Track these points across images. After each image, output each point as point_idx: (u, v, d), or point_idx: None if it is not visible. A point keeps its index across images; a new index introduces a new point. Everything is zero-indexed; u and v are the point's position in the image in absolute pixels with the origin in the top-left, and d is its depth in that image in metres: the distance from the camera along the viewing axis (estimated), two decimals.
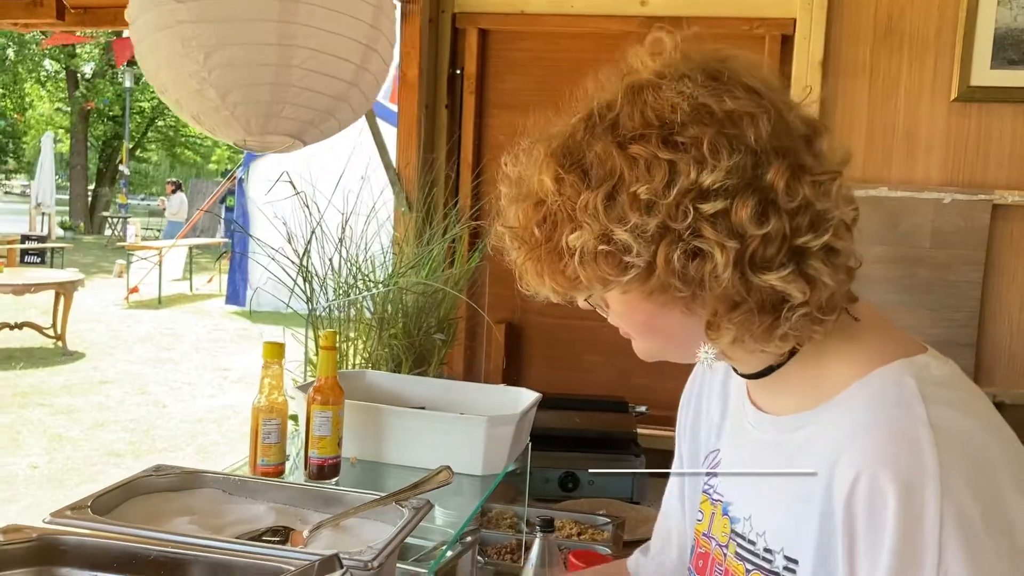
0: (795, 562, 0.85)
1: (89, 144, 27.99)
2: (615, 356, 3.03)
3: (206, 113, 1.32)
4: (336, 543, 0.94)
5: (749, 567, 0.90)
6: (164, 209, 18.21)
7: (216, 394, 7.97)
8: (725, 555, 0.96)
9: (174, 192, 17.94)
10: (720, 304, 0.82)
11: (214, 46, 1.21)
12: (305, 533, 0.96)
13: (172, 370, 8.90)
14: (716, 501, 1.01)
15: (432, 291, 2.53)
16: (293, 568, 0.79)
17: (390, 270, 2.56)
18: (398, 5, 2.90)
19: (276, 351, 1.40)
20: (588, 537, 2.31)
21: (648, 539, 2.48)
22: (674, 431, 3.08)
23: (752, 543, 0.91)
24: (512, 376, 3.06)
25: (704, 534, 1.03)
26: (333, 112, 1.40)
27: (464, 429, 1.50)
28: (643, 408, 2.96)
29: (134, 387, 8.09)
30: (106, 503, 0.95)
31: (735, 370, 0.97)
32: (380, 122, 2.86)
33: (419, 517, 0.98)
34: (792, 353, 0.89)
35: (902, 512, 0.75)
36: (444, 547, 1.30)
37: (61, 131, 27.94)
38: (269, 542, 0.89)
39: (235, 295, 12.51)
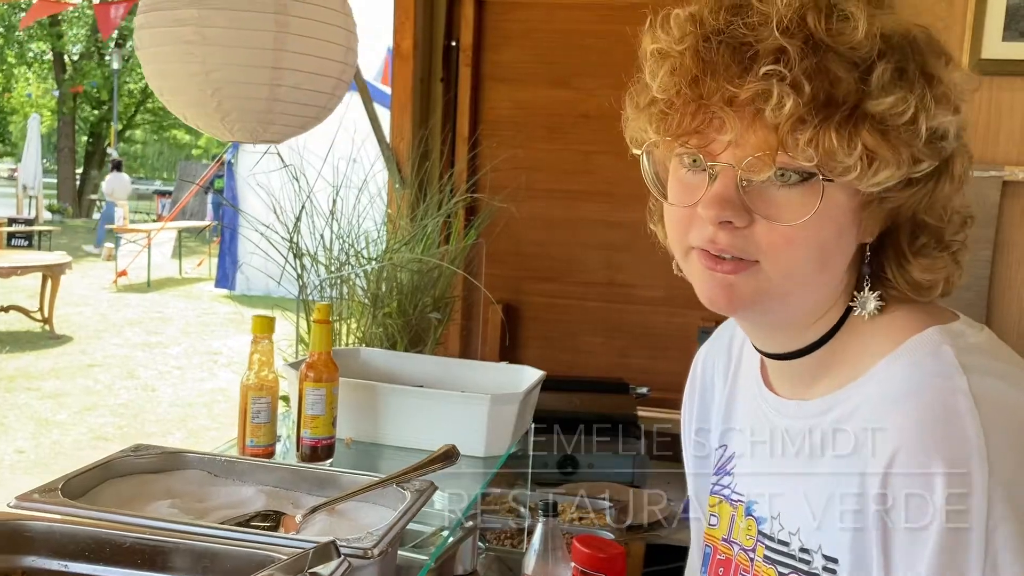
0: (835, 561, 0.77)
1: (77, 126, 27.73)
2: (614, 337, 2.96)
3: (201, 118, 1.31)
4: (332, 529, 0.87)
5: (784, 570, 0.83)
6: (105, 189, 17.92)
7: (206, 378, 7.89)
8: (752, 559, 0.88)
9: (113, 171, 17.72)
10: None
11: (216, 65, 1.25)
12: (298, 518, 0.88)
13: (161, 354, 8.81)
14: (736, 502, 0.93)
15: (428, 268, 2.45)
16: (285, 556, 0.71)
17: (383, 246, 2.48)
18: None
19: (266, 325, 1.32)
20: (589, 521, 2.26)
21: (650, 523, 2.42)
22: (674, 412, 3.01)
23: (784, 543, 0.83)
24: (509, 357, 2.99)
25: (724, 539, 0.95)
26: (317, 119, 1.42)
27: (466, 408, 1.42)
28: (644, 390, 2.90)
29: (123, 371, 8.01)
30: (79, 485, 0.86)
31: (763, 353, 0.88)
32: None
33: (422, 500, 0.91)
34: (831, 333, 0.82)
35: (946, 498, 0.68)
36: (447, 533, 1.23)
37: (48, 113, 27.65)
38: (258, 528, 0.82)
39: (225, 279, 12.43)
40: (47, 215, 19.82)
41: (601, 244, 2.98)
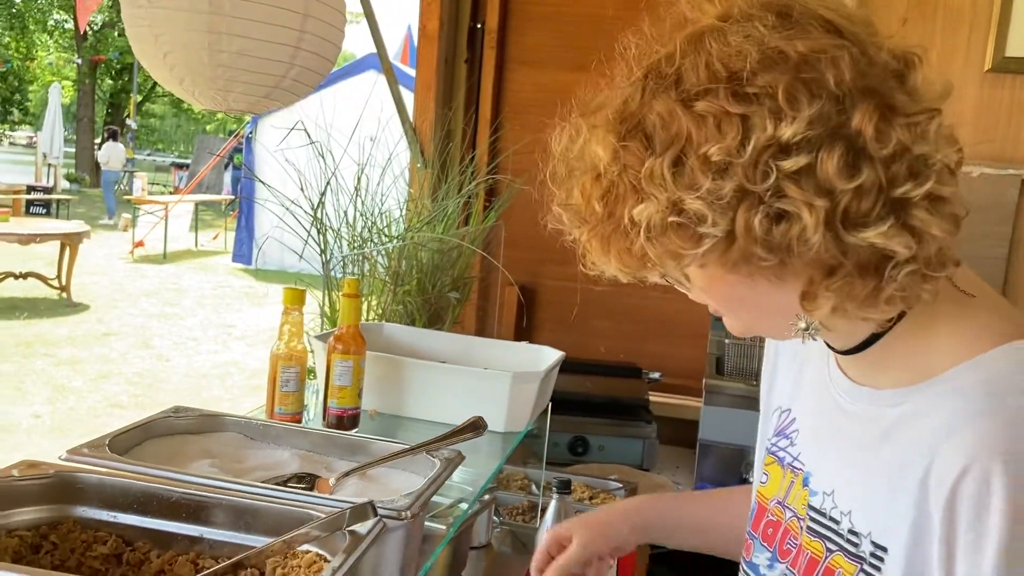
0: (884, 550, 0.78)
1: (96, 97, 27.81)
2: (628, 322, 2.99)
3: (168, 84, 1.34)
4: (364, 492, 0.90)
5: (831, 546, 0.84)
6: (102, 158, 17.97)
7: (220, 350, 7.96)
8: (801, 527, 0.89)
9: (108, 140, 17.77)
10: (814, 270, 0.73)
11: (161, 29, 1.27)
12: (331, 481, 0.92)
13: (176, 325, 8.89)
14: (797, 470, 0.93)
15: (447, 248, 2.48)
16: (323, 515, 0.75)
17: (404, 225, 2.51)
18: None
19: (297, 297, 1.36)
20: (600, 501, 2.29)
21: None
22: (686, 398, 3.03)
23: (835, 521, 0.84)
24: (524, 339, 3.02)
25: (778, 501, 0.95)
26: (281, 88, 1.41)
27: (488, 384, 1.45)
28: (657, 375, 2.93)
29: (138, 340, 8.08)
30: (123, 443, 0.90)
31: (829, 346, 0.88)
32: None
33: (451, 468, 0.94)
34: (894, 322, 0.81)
35: (1012, 508, 0.69)
36: (466, 506, 1.26)
37: (67, 83, 27.74)
38: (295, 488, 0.85)
39: (241, 253, 12.49)
40: (65, 184, 19.92)
41: None
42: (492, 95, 3.11)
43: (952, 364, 0.76)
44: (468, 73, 3.12)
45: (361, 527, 0.73)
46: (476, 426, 1.04)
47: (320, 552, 0.73)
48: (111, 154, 17.16)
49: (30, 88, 30.37)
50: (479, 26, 3.05)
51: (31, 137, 29.70)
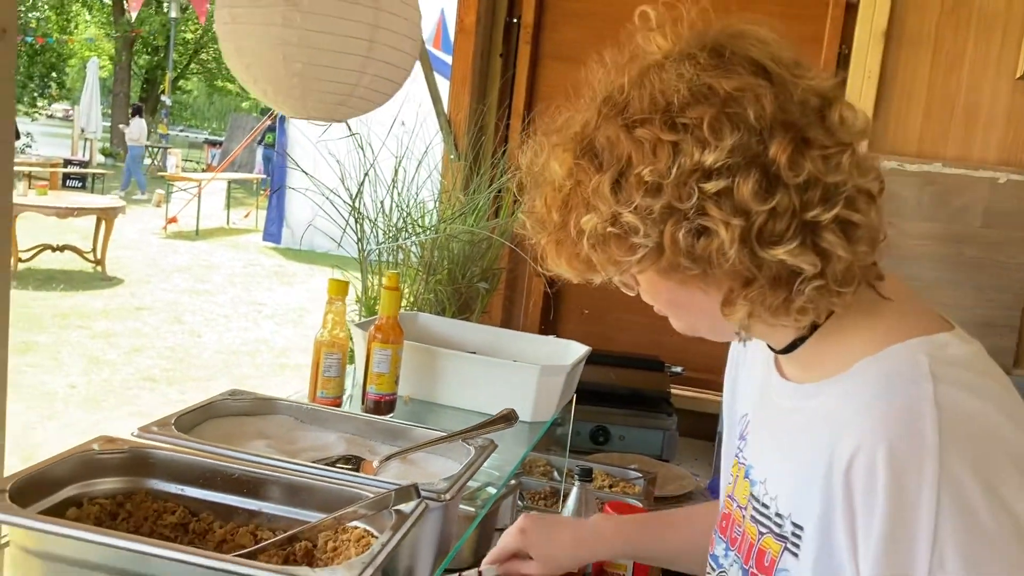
0: (801, 528, 0.86)
1: (132, 72, 28.08)
2: (652, 317, 3.04)
3: (280, 95, 1.41)
4: (405, 474, 0.98)
5: (762, 530, 0.92)
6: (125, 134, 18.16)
7: (250, 328, 8.09)
8: (744, 517, 0.98)
9: (134, 116, 17.95)
10: (732, 280, 0.82)
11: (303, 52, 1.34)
12: (375, 463, 1.00)
13: (208, 301, 9.03)
14: (742, 464, 1.03)
15: (478, 240, 2.55)
16: (371, 495, 0.83)
17: (437, 217, 2.59)
18: None
19: (341, 288, 1.44)
20: (620, 490, 2.35)
21: (677, 496, 2.51)
22: (707, 392, 3.09)
23: (766, 507, 0.92)
24: (549, 330, 3.09)
25: (729, 496, 1.05)
26: (386, 99, 1.49)
27: (517, 376, 1.53)
28: (679, 369, 2.98)
29: (170, 315, 8.24)
30: (187, 422, 0.99)
31: (770, 347, 0.97)
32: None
33: (485, 455, 1.02)
34: (815, 327, 0.89)
35: (897, 490, 0.75)
36: (494, 490, 1.35)
37: (105, 58, 28.03)
38: (343, 469, 0.93)
39: (272, 232, 12.63)
40: (100, 158, 20.19)
41: None
42: (526, 89, 3.16)
43: (857, 360, 0.85)
44: (503, 68, 3.18)
45: (406, 507, 0.81)
46: (508, 418, 1.12)
47: (368, 528, 0.81)
48: (137, 130, 17.39)
49: (68, 63, 30.71)
50: (515, 21, 3.10)
51: (68, 111, 30.04)
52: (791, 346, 0.92)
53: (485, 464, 1.42)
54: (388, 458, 1.01)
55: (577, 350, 1.72)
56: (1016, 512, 0.75)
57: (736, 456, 1.06)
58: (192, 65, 30.58)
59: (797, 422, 0.91)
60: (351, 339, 1.61)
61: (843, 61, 2.96)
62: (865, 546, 0.78)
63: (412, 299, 2.48)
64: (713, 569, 1.06)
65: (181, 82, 31.49)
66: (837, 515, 0.81)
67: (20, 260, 9.12)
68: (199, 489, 0.87)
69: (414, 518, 0.80)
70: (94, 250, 9.73)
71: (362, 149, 2.38)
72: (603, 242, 0.82)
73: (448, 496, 0.88)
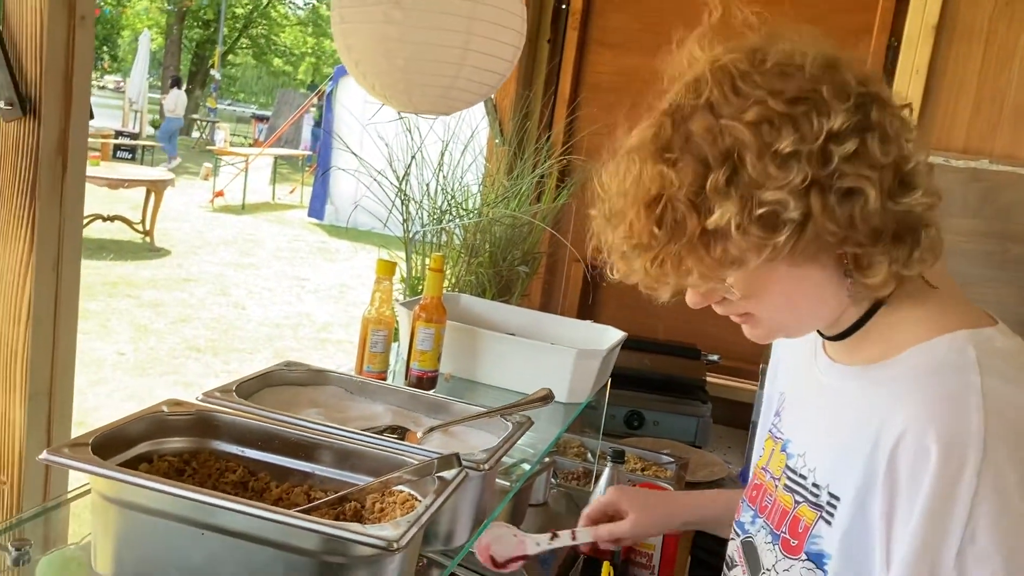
0: (837, 499, 0.91)
1: (183, 45, 28.44)
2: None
3: (388, 90, 1.46)
4: (446, 446, 1.04)
5: (798, 499, 0.98)
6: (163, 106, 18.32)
7: (293, 302, 8.23)
8: (776, 487, 1.03)
9: (172, 87, 18.07)
10: (867, 239, 0.84)
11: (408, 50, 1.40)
12: (419, 434, 1.07)
13: (252, 275, 9.20)
14: (778, 439, 1.08)
15: (519, 224, 2.60)
16: (415, 462, 0.89)
17: (481, 200, 2.65)
18: None
19: (389, 268, 1.51)
20: (651, 473, 2.40)
21: (708, 482, 2.55)
22: (743, 381, 3.12)
23: (803, 478, 0.98)
24: (587, 314, 3.13)
25: (763, 468, 1.10)
26: (453, 90, 1.54)
27: (554, 358, 1.59)
28: (715, 357, 3.02)
29: (216, 287, 8.41)
30: (246, 389, 1.06)
31: (822, 335, 1.01)
32: None
33: (522, 431, 1.08)
34: (869, 314, 0.94)
35: (941, 470, 0.80)
36: (528, 467, 1.41)
37: (156, 31, 28.41)
38: (389, 438, 1.00)
39: (316, 208, 12.78)
40: (149, 130, 20.52)
41: None
42: (572, 76, 3.19)
43: (908, 346, 0.90)
44: (550, 53, 3.22)
45: (447, 474, 0.87)
46: (546, 398, 1.17)
47: (412, 492, 0.88)
48: (177, 101, 17.59)
49: (121, 35, 31.17)
50: (564, 7, 3.13)
51: (119, 83, 30.51)
52: (844, 333, 0.96)
53: (521, 441, 1.49)
54: (431, 430, 1.07)
55: (613, 335, 1.77)
56: None
57: (771, 431, 1.12)
58: (242, 39, 30.84)
59: (841, 400, 0.96)
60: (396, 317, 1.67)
61: (892, 54, 2.95)
62: (905, 521, 0.82)
63: (454, 280, 2.54)
64: (738, 535, 1.11)
65: (230, 56, 31.80)
66: (876, 490, 0.86)
67: None
68: (258, 451, 0.95)
69: (455, 484, 0.86)
70: (143, 221, 9.93)
71: (409, 132, 2.44)
72: (746, 230, 0.82)
73: (487, 466, 0.94)
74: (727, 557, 1.15)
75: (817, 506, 0.94)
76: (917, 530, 0.81)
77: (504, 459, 1.46)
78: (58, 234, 1.25)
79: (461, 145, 2.54)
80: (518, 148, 2.86)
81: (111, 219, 9.66)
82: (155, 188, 9.84)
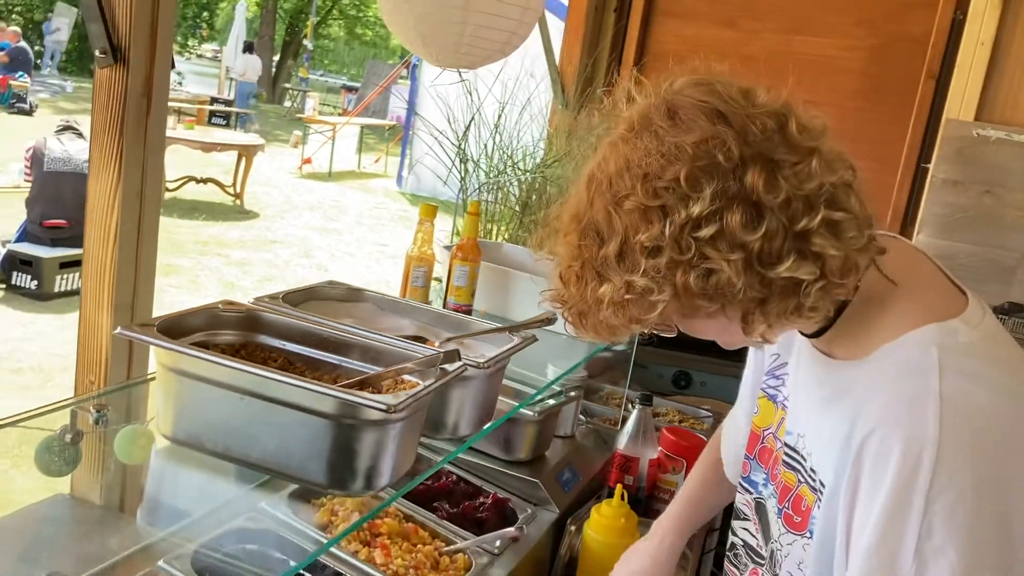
0: (824, 485, 0.98)
1: (277, 16, 29.14)
2: None
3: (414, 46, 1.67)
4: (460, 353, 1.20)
5: (800, 479, 1.05)
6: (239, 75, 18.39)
7: (373, 266, 8.52)
8: (779, 459, 1.10)
9: (244, 52, 18.20)
10: (747, 305, 0.88)
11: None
12: (437, 343, 1.22)
13: (336, 239, 9.53)
14: (777, 402, 1.14)
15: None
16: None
17: (537, 160, 2.78)
18: None
19: (430, 211, 1.67)
20: (688, 425, 2.52)
21: None
22: None
23: (803, 460, 1.05)
24: None
25: (772, 433, 1.15)
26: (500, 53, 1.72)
27: None
28: None
29: (300, 250, 8.75)
30: (293, 299, 1.24)
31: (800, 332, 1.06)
32: (548, 14, 3.03)
33: (524, 344, 1.23)
34: (839, 312, 0.97)
35: (899, 470, 0.85)
36: (554, 400, 1.56)
37: (252, 2, 29.15)
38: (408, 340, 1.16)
39: (400, 177, 13.08)
40: None
41: None
42: (636, 44, 3.28)
43: (877, 346, 0.95)
44: (616, 21, 3.31)
45: (449, 366, 1.02)
46: (549, 319, 1.32)
47: (419, 381, 1.03)
48: (248, 66, 17.91)
49: (219, 5, 32.10)
50: None
51: (216, 51, 31.44)
52: (818, 332, 1.01)
53: (549, 374, 1.64)
54: (448, 340, 1.23)
55: None
56: (1003, 497, 0.85)
57: (765, 391, 1.18)
58: (334, 11, 31.42)
59: (828, 393, 1.01)
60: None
61: (956, 27, 2.96)
62: (865, 515, 0.89)
63: (507, 236, 2.69)
64: (748, 491, 1.18)
65: (323, 28, 32.43)
66: (843, 484, 0.92)
67: (167, 189, 9.81)
68: (296, 345, 1.12)
69: (454, 373, 1.01)
70: (234, 184, 10.35)
71: (469, 95, 2.59)
72: (622, 306, 0.88)
73: (486, 365, 1.09)
74: (735, 508, 1.22)
75: (815, 490, 1.00)
76: (877, 523, 0.87)
77: (530, 391, 1.62)
78: (142, 167, 1.44)
79: (519, 106, 2.67)
80: (578, 113, 2.98)
81: (204, 181, 10.10)
82: (246, 153, 10.24)
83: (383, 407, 0.89)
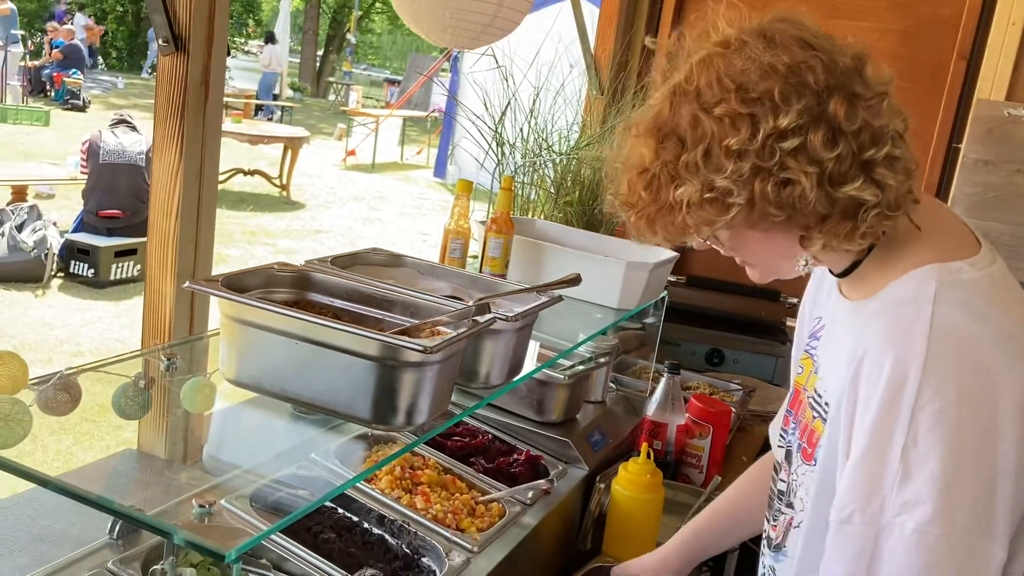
0: (827, 414, 1.08)
1: (321, 10, 29.47)
2: None
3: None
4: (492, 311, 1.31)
5: (815, 414, 1.15)
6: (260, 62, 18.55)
7: (415, 254, 8.63)
8: (806, 405, 1.19)
9: (267, 43, 18.33)
10: (811, 219, 0.98)
11: None
12: (470, 302, 1.33)
13: (379, 229, 9.70)
14: (816, 360, 1.22)
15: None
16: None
17: (572, 143, 2.88)
18: None
19: (467, 187, 1.78)
20: (720, 397, 2.59)
21: (771, 412, 2.73)
22: None
23: (820, 396, 1.14)
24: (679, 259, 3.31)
25: (803, 386, 1.25)
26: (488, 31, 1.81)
27: (607, 269, 1.83)
28: (795, 300, 3.14)
29: (345, 239, 8.93)
30: (340, 263, 1.36)
31: (830, 270, 1.17)
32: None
33: (550, 303, 1.34)
34: (866, 253, 1.07)
35: (888, 384, 0.94)
36: (584, 366, 1.66)
37: None
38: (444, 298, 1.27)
39: (441, 168, 13.23)
40: (289, 92, 21.47)
41: None
42: (670, 29, 3.35)
43: (887, 283, 1.04)
44: (650, 5, 3.38)
45: (480, 318, 1.14)
46: (574, 281, 1.42)
47: (453, 332, 1.14)
48: (272, 55, 17.94)
49: (264, 3, 32.54)
50: None
51: (262, 47, 31.89)
52: (847, 271, 1.10)
53: (580, 349, 1.73)
54: (481, 299, 1.34)
55: (665, 254, 1.99)
56: (987, 413, 0.93)
57: (807, 351, 1.27)
58: (377, 4, 31.66)
59: (843, 331, 1.11)
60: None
61: (987, 8, 3.00)
62: (860, 424, 0.97)
63: (544, 215, 2.80)
64: (782, 444, 1.28)
65: (366, 21, 32.69)
66: (843, 408, 1.01)
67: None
68: (344, 301, 1.24)
69: (484, 324, 1.13)
70: (280, 176, 10.58)
71: (505, 81, 2.70)
72: (699, 207, 0.97)
73: (515, 319, 1.20)
74: (775, 464, 1.31)
75: (824, 420, 1.09)
76: (867, 433, 0.96)
77: (563, 360, 1.72)
78: (201, 148, 1.58)
79: (552, 92, 2.77)
80: (612, 99, 3.07)
81: (251, 173, 10.33)
82: (292, 145, 10.46)
83: (420, 348, 1.00)
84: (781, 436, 1.30)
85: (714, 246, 1.10)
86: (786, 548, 1.17)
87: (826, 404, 1.11)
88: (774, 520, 1.25)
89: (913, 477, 0.93)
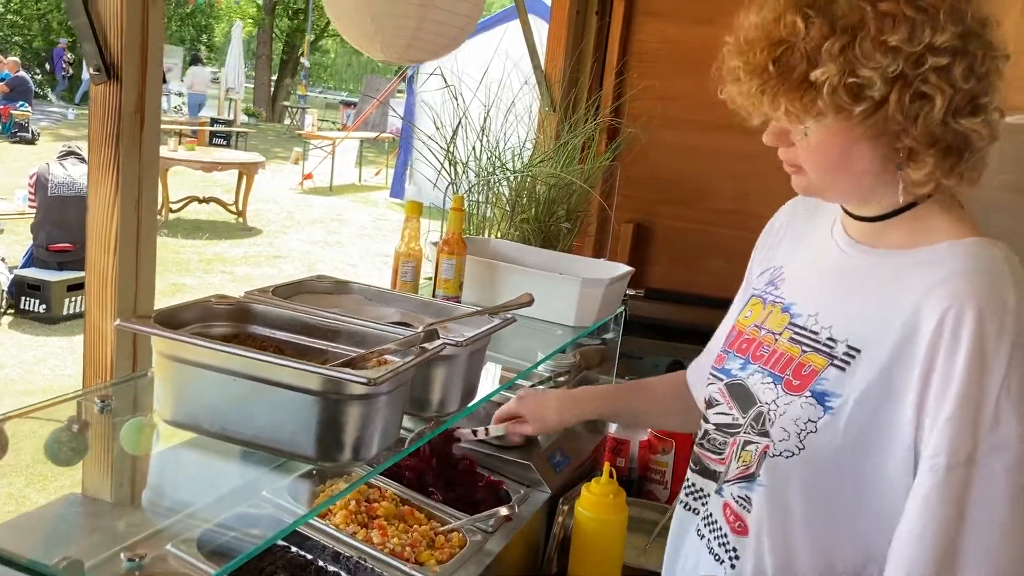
0: (858, 351, 1.09)
1: (274, 35, 29.34)
2: (738, 262, 3.20)
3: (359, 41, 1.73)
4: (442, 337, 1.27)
5: (805, 348, 1.15)
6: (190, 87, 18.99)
7: (375, 277, 8.58)
8: (776, 339, 1.20)
9: (192, 65, 18.52)
10: (922, 139, 1.02)
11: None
12: (420, 328, 1.29)
13: (339, 252, 9.63)
14: (775, 303, 1.24)
15: (564, 183, 2.80)
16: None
17: (525, 160, 2.85)
18: None
19: (416, 208, 1.74)
20: None
21: None
22: None
23: (815, 333, 1.15)
24: (636, 272, 3.32)
25: (756, 325, 1.25)
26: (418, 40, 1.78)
27: (562, 287, 1.80)
28: None
29: (304, 263, 8.85)
30: (282, 292, 1.31)
31: (849, 214, 1.19)
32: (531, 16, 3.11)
33: (502, 325, 1.30)
34: (902, 210, 1.11)
35: (979, 338, 0.99)
36: (543, 386, 1.62)
37: (248, 21, 29.36)
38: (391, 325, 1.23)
39: (398, 189, 13.19)
40: (243, 118, 21.32)
41: (732, 174, 3.17)
42: (619, 44, 3.35)
43: (943, 240, 1.09)
44: (598, 23, 3.38)
45: (428, 345, 1.10)
46: (526, 303, 1.39)
47: (401, 360, 1.10)
48: (195, 78, 18.17)
49: (216, 26, 32.33)
50: None
51: (215, 72, 31.68)
52: (876, 217, 1.14)
53: (539, 368, 1.70)
54: (431, 325, 1.30)
55: (620, 269, 1.96)
56: None
57: (760, 297, 1.29)
58: (331, 27, 31.57)
59: (864, 274, 1.14)
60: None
61: None
62: (945, 376, 1.01)
63: (499, 234, 2.77)
64: (719, 379, 1.27)
65: (320, 44, 32.60)
66: (916, 354, 1.03)
67: (171, 211, 9.93)
68: (286, 333, 1.19)
69: (432, 352, 1.09)
70: (236, 202, 10.47)
71: (455, 100, 2.66)
72: (834, 91, 1.00)
73: (464, 344, 1.17)
74: (706, 399, 1.30)
75: (829, 355, 1.11)
76: (962, 386, 0.99)
77: (523, 382, 1.68)
78: (138, 178, 1.52)
79: (503, 109, 2.75)
80: (564, 115, 3.05)
81: (206, 201, 10.22)
82: (247, 171, 10.36)
83: (364, 380, 0.96)
84: (716, 374, 1.29)
85: (783, 144, 1.12)
86: (760, 477, 1.16)
87: (829, 341, 1.13)
88: (717, 453, 1.25)
89: (1002, 422, 0.99)
